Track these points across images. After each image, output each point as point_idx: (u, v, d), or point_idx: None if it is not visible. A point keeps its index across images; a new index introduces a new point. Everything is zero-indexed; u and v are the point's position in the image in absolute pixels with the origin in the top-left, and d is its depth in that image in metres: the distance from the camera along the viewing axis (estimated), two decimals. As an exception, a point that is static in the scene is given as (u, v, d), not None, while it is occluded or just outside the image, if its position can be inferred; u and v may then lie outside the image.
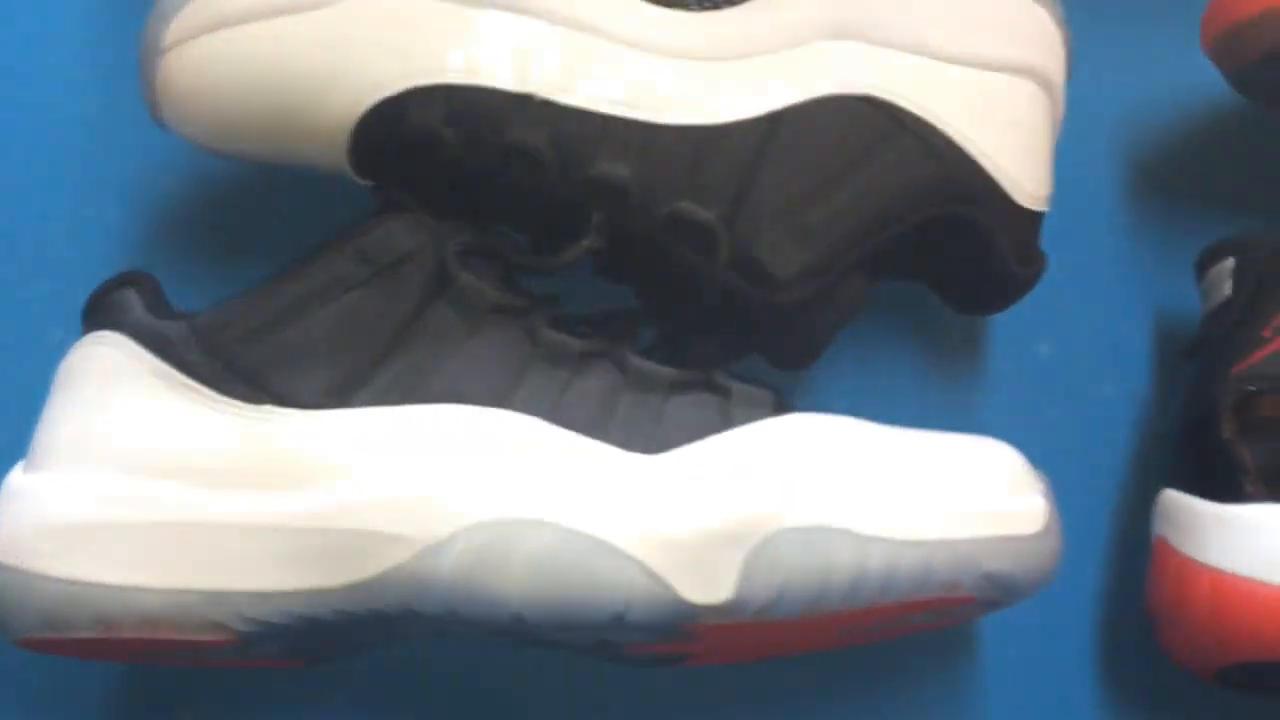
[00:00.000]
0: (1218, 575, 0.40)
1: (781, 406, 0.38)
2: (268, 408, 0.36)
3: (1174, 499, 0.43)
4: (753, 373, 0.47)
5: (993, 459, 0.38)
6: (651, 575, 0.34)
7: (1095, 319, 0.50)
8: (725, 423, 0.37)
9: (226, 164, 0.48)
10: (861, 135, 0.42)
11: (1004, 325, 0.50)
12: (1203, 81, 0.49)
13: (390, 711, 0.43)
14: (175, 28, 0.40)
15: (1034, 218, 0.44)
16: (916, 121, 0.42)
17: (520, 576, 0.34)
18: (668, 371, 0.38)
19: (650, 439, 0.36)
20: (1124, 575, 0.46)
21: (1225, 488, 0.42)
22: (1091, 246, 0.51)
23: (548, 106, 0.40)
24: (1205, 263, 0.47)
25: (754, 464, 0.36)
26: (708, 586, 0.34)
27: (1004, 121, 0.44)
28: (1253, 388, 0.42)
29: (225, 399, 0.36)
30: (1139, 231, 0.51)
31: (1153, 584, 0.43)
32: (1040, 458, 0.48)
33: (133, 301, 0.38)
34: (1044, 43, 0.45)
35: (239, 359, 0.37)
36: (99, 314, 0.38)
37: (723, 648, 0.39)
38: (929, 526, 0.36)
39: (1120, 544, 0.47)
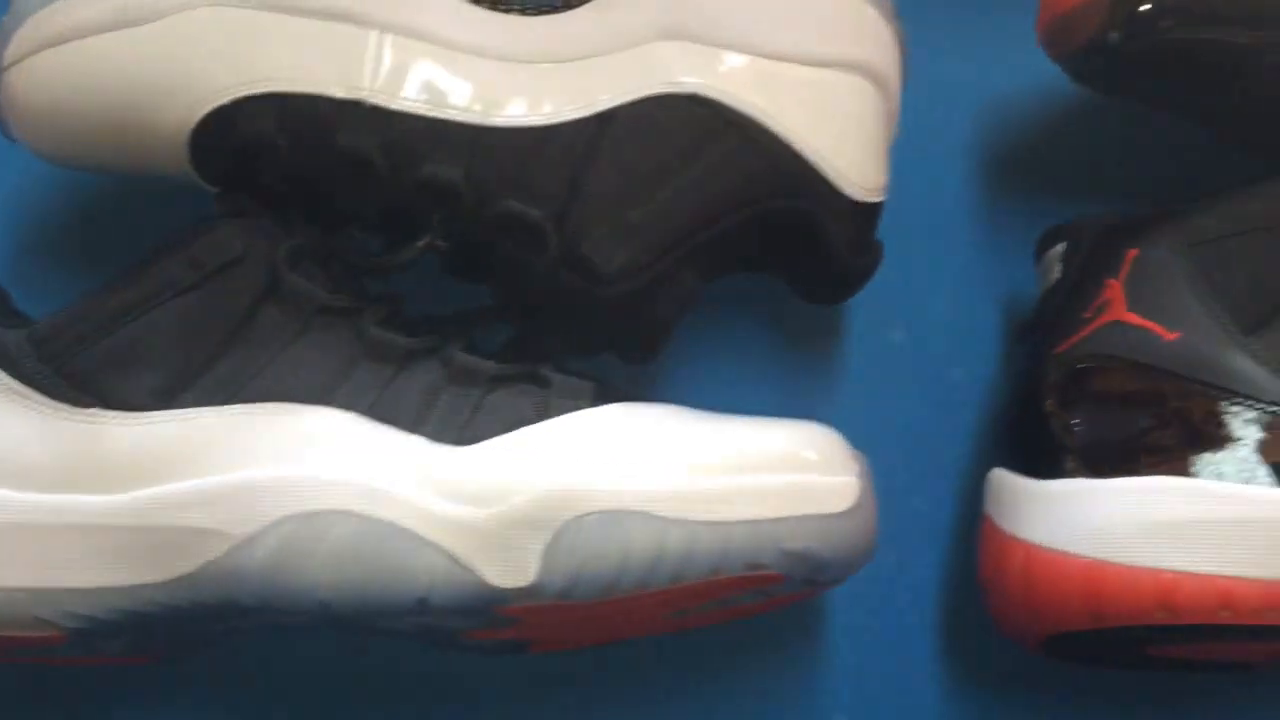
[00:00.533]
0: (1030, 549, 0.42)
1: (603, 397, 0.40)
2: (94, 411, 0.37)
3: (999, 477, 0.44)
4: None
5: (803, 440, 0.40)
6: (454, 560, 0.35)
7: (946, 305, 0.51)
8: (541, 414, 0.39)
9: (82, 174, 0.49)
10: (687, 133, 0.43)
11: (859, 313, 0.51)
12: (1044, 71, 0.50)
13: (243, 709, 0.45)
14: (14, 46, 0.42)
15: (867, 210, 0.46)
16: (742, 118, 0.44)
17: (325, 565, 0.35)
18: (489, 365, 0.40)
19: (464, 431, 0.38)
20: (964, 554, 0.48)
21: (1048, 465, 0.43)
22: (943, 234, 0.52)
23: (377, 112, 0.42)
24: (1041, 247, 0.48)
25: (559, 452, 0.37)
26: (511, 571, 0.36)
27: (832, 116, 0.45)
28: (1074, 365, 0.44)
29: (55, 404, 0.38)
30: (987, 218, 0.52)
31: (980, 560, 0.44)
32: (890, 441, 0.49)
33: None
34: (873, 38, 0.46)
35: (69, 364, 0.38)
36: None
37: (553, 634, 0.41)
38: (730, 508, 0.37)
39: (962, 522, 0.48)
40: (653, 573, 0.36)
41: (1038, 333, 0.46)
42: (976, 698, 0.47)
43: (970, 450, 0.49)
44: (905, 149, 0.48)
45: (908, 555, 0.48)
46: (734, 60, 0.44)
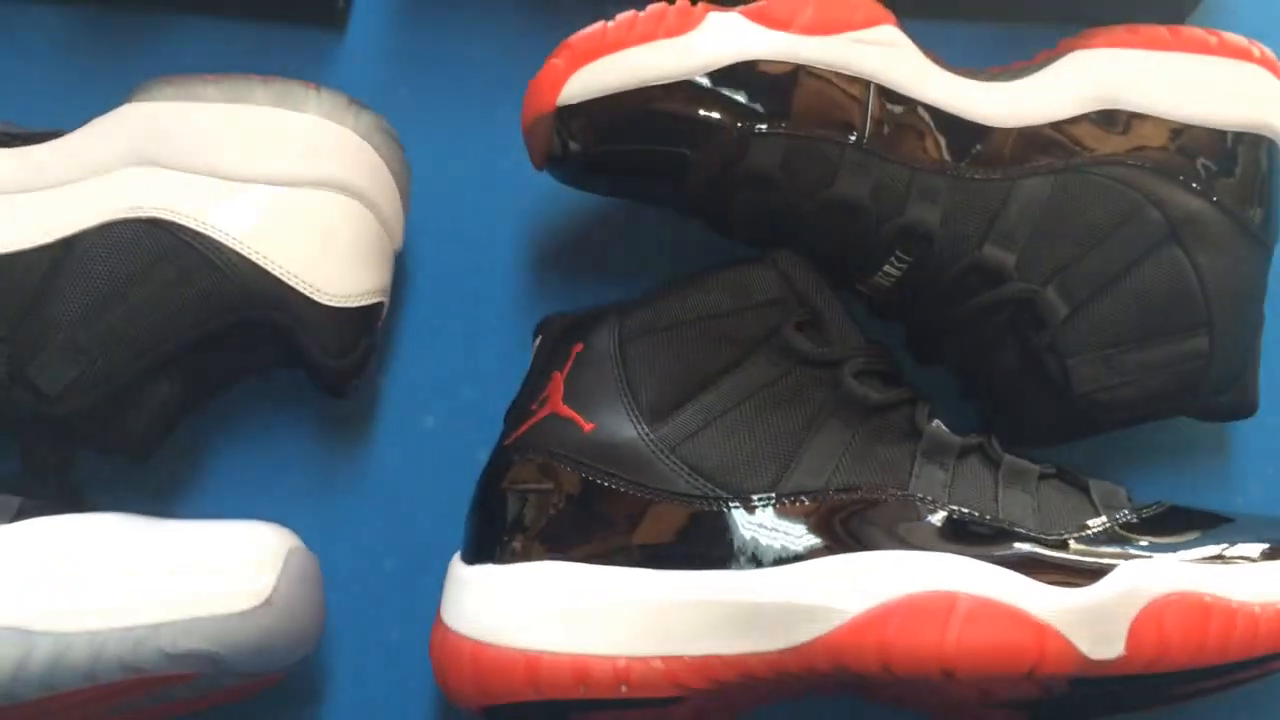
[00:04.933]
0: (443, 627, 0.45)
1: (22, 513, 0.43)
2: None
3: (455, 559, 0.47)
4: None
5: (221, 543, 0.43)
6: None
7: (475, 392, 0.54)
8: None
9: None
10: (142, 254, 0.47)
11: (392, 399, 0.55)
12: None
13: None
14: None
15: (341, 314, 0.49)
16: (200, 238, 0.47)
17: None
18: None
19: None
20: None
21: (500, 548, 0.46)
22: (478, 322, 0.55)
23: None
24: (534, 337, 0.52)
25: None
26: None
27: (301, 231, 0.48)
28: (512, 457, 0.47)
29: None
30: (529, 304, 0.55)
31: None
32: (419, 518, 0.52)
33: None
34: (347, 155, 0.49)
35: None
36: None
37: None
38: (105, 618, 0.40)
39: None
40: (17, 683, 0.39)
41: (506, 422, 0.49)
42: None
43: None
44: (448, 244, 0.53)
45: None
46: (199, 184, 0.48)
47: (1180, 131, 0.49)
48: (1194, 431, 0.53)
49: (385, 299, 0.51)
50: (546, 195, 0.57)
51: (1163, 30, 0.50)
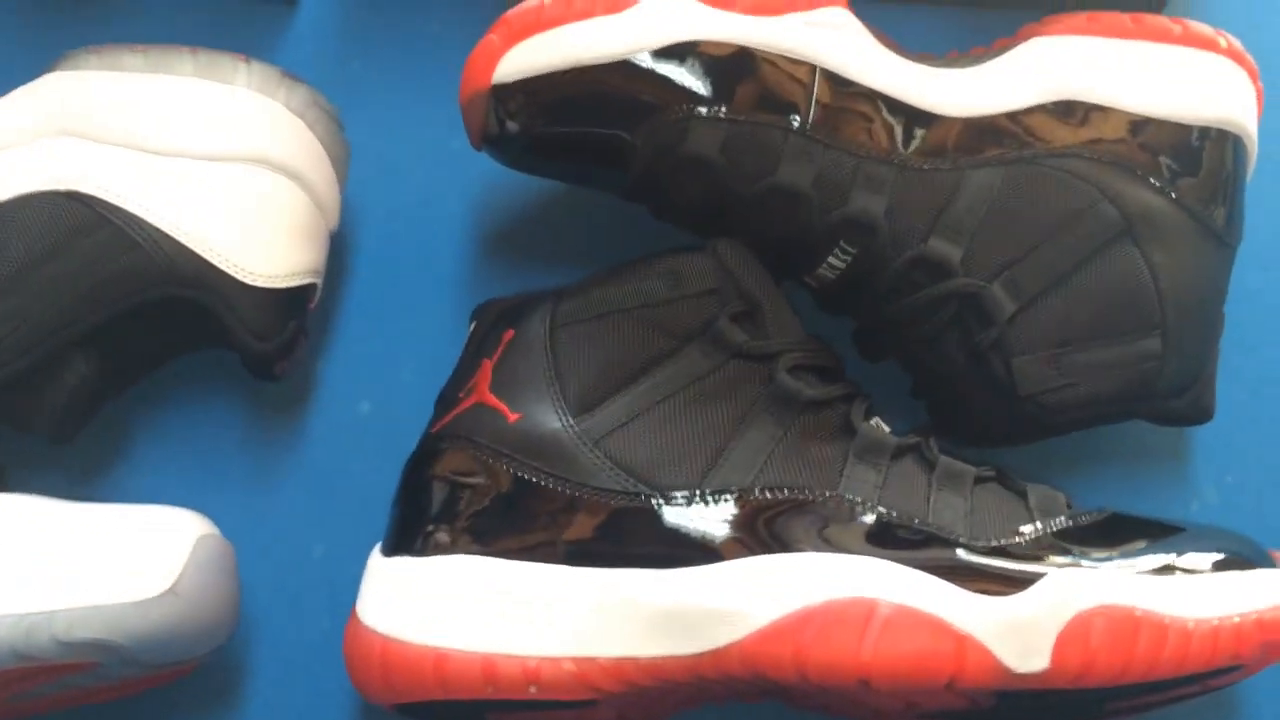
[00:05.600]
0: (355, 620, 0.44)
1: None
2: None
3: (375, 551, 0.46)
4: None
5: (131, 526, 0.42)
6: None
7: (414, 378, 0.53)
8: None
9: None
10: (59, 228, 0.45)
11: (326, 385, 0.53)
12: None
13: None
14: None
15: (269, 295, 0.48)
16: (120, 213, 0.46)
17: None
18: None
19: None
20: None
21: (421, 540, 0.45)
22: (411, 309, 0.54)
23: None
24: (471, 321, 0.50)
25: None
26: None
27: (227, 208, 0.47)
28: (438, 445, 0.45)
29: None
30: (465, 289, 0.54)
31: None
32: (349, 508, 0.51)
33: None
34: (277, 130, 0.48)
35: None
36: None
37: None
38: (5, 599, 0.39)
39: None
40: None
41: (435, 410, 0.48)
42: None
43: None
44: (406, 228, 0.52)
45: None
46: (120, 156, 0.46)
47: (1140, 124, 0.47)
48: (1150, 435, 0.52)
49: (318, 280, 0.50)
50: (497, 177, 0.56)
51: (1125, 18, 0.48)
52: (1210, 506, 0.52)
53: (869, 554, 0.40)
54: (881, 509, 0.42)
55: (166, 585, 0.42)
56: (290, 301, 0.48)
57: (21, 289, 0.45)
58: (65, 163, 0.46)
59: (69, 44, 0.49)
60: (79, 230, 0.46)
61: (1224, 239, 0.48)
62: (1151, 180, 0.46)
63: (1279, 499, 0.52)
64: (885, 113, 0.46)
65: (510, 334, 0.46)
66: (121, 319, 0.47)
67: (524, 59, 0.46)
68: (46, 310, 0.45)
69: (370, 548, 0.47)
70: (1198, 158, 0.47)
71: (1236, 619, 0.39)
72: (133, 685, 0.45)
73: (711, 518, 0.42)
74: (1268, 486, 0.52)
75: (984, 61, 0.49)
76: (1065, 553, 0.41)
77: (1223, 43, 0.48)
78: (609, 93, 0.45)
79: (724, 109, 0.45)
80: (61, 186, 0.46)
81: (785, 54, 0.46)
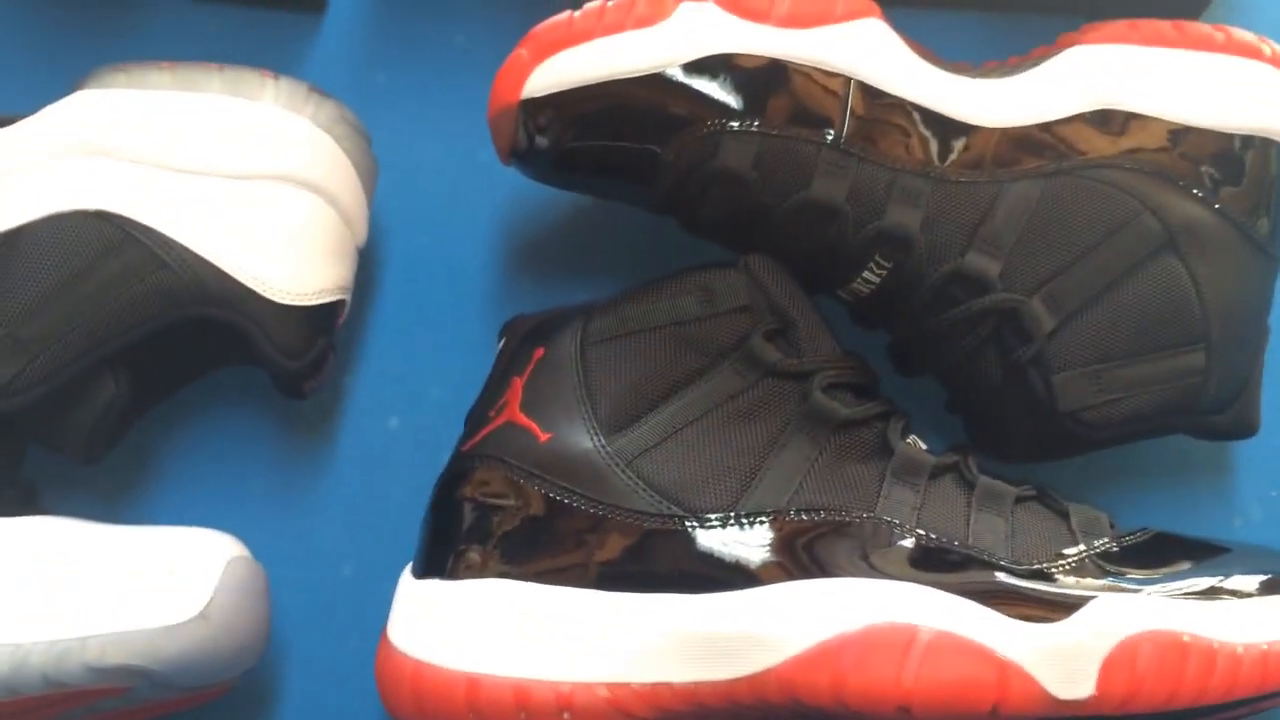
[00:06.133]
0: (386, 642, 0.43)
1: None
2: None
3: (407, 571, 0.46)
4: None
5: (162, 550, 0.41)
6: None
7: (443, 393, 0.53)
8: None
9: None
10: (88, 248, 0.45)
11: (356, 399, 0.53)
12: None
13: None
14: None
15: (297, 313, 0.47)
16: (148, 232, 0.46)
17: None
18: None
19: None
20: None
21: (453, 562, 0.44)
22: (439, 325, 0.54)
23: None
24: (500, 337, 0.50)
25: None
26: None
27: (254, 226, 0.46)
28: (469, 465, 0.45)
29: None
30: (493, 305, 0.53)
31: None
32: (372, 521, 0.51)
33: None
34: (305, 147, 0.48)
35: None
36: None
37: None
38: (36, 624, 0.39)
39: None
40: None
41: (465, 428, 0.47)
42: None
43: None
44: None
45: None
46: (148, 176, 0.46)
47: (1181, 134, 0.46)
48: (1193, 449, 0.51)
49: (346, 296, 0.50)
50: (523, 189, 0.55)
51: (1166, 25, 0.47)
52: (1254, 523, 0.51)
53: (908, 578, 0.39)
54: (920, 531, 0.41)
55: (197, 609, 0.41)
56: (318, 319, 0.48)
57: (51, 310, 0.45)
58: (93, 182, 0.46)
59: (97, 62, 0.48)
60: (108, 250, 0.45)
61: (1268, 250, 0.47)
62: (1194, 191, 0.45)
63: (1325, 514, 0.51)
64: (921, 125, 0.45)
65: (540, 351, 0.46)
66: (150, 338, 0.46)
67: (553, 74, 0.45)
68: (76, 330, 0.45)
69: (400, 565, 0.47)
70: (1240, 167, 0.46)
71: (1287, 643, 0.38)
72: (164, 708, 0.45)
73: (747, 541, 0.41)
74: (1314, 502, 0.51)
75: (1022, 71, 0.48)
76: (1109, 575, 0.40)
77: (1267, 50, 0.47)
78: (640, 107, 0.45)
79: (757, 123, 0.44)
80: (90, 206, 0.46)
81: (819, 66, 0.45)
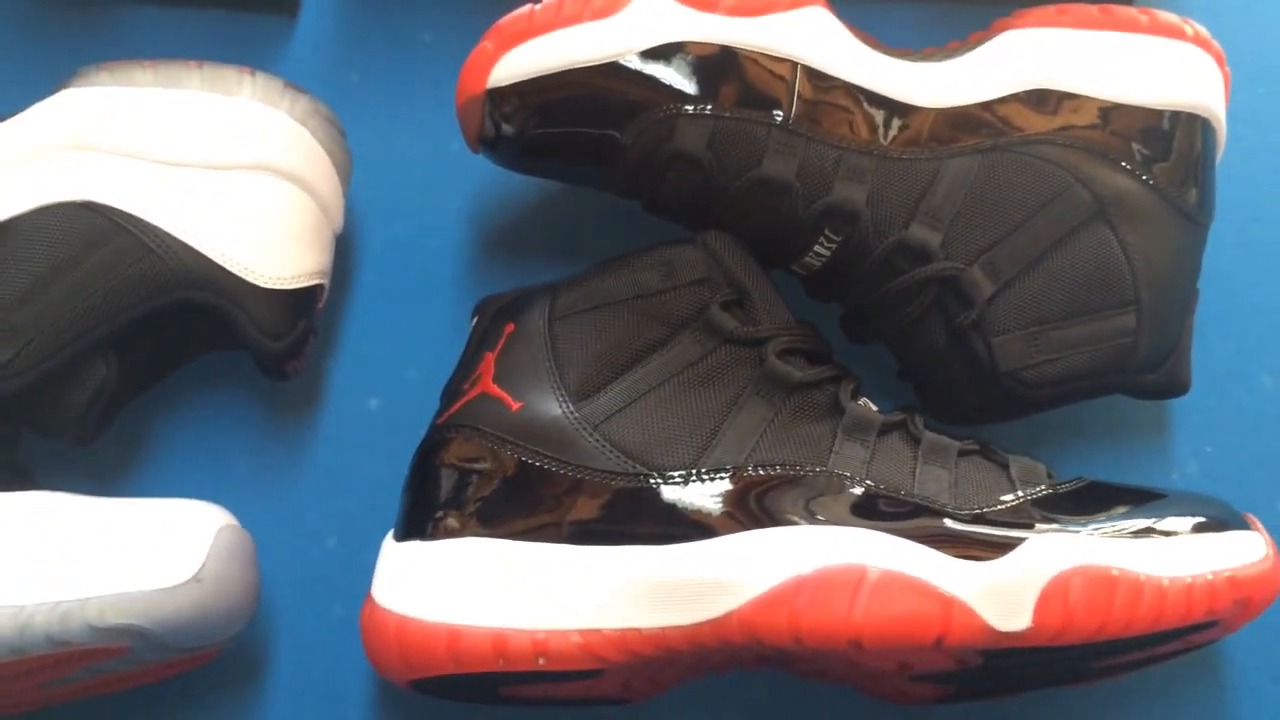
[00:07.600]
0: (371, 600, 0.46)
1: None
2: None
3: (387, 539, 0.48)
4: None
5: (156, 518, 0.44)
6: None
7: (420, 374, 0.55)
8: None
9: None
10: (77, 237, 0.48)
11: (336, 379, 0.55)
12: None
13: None
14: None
15: (278, 296, 0.50)
16: (134, 221, 0.48)
17: None
18: None
19: None
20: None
21: (432, 525, 0.47)
22: (417, 307, 0.56)
23: None
24: (473, 315, 0.52)
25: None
26: None
27: (234, 213, 0.49)
28: (445, 434, 0.47)
29: None
30: (469, 285, 0.56)
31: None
32: (354, 496, 0.53)
33: None
34: (281, 139, 0.50)
35: None
36: None
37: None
38: (39, 588, 0.41)
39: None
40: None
41: (441, 401, 0.50)
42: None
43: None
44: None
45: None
46: (133, 168, 0.49)
47: (1111, 111, 0.49)
48: (1132, 409, 0.54)
49: (325, 281, 0.52)
50: (492, 178, 0.58)
51: (1093, 9, 0.50)
52: (1191, 477, 0.54)
53: (858, 525, 0.42)
54: (869, 482, 0.44)
55: (191, 573, 0.44)
56: (299, 302, 0.51)
57: (42, 297, 0.47)
58: (81, 175, 0.48)
59: (83, 61, 0.51)
60: (96, 239, 0.48)
61: (1196, 219, 0.50)
62: (1123, 164, 0.48)
63: (1258, 468, 0.54)
64: (865, 105, 0.48)
65: (511, 327, 0.48)
66: (138, 324, 0.49)
67: (516, 64, 0.48)
68: (66, 317, 0.47)
69: (380, 538, 0.49)
70: (1169, 142, 0.49)
71: (1210, 576, 0.41)
72: (159, 670, 0.47)
73: (708, 495, 0.44)
74: (1246, 456, 0.54)
75: (959, 55, 0.51)
76: (1046, 519, 0.43)
77: (1189, 30, 0.50)
78: (599, 94, 0.48)
79: (709, 106, 0.47)
80: (78, 198, 0.48)
81: (767, 52, 0.48)
